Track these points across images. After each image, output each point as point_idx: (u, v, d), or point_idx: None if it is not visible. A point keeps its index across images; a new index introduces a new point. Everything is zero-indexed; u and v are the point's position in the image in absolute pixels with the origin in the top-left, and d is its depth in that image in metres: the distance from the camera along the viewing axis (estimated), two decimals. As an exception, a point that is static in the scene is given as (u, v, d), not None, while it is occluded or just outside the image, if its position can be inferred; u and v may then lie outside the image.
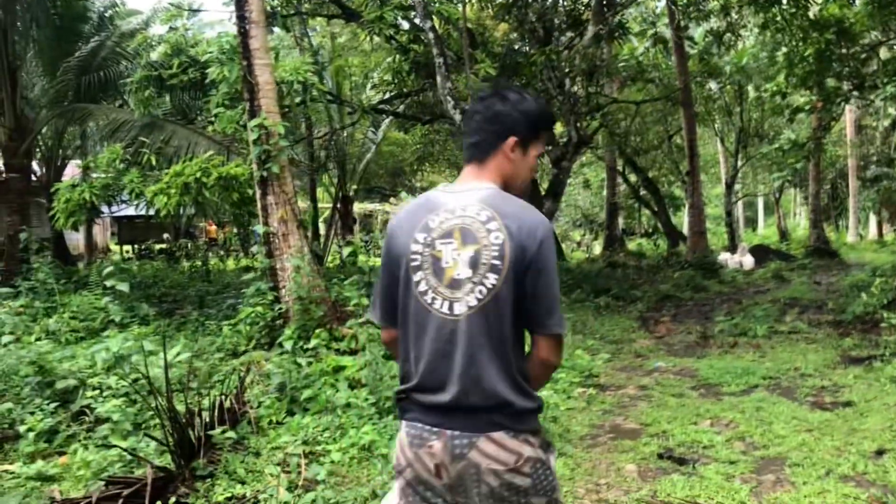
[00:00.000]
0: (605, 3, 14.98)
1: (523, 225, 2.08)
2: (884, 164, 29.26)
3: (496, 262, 2.05)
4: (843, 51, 16.87)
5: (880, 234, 32.08)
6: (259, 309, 8.16)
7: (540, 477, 2.13)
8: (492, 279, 2.06)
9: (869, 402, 6.36)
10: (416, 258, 2.13)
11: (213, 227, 29.15)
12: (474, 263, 2.07)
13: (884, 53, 19.20)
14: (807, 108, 18.49)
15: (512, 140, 2.22)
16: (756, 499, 4.43)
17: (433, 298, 2.11)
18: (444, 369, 2.10)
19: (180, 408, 5.27)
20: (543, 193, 17.02)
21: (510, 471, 2.08)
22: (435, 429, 2.12)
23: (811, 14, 16.30)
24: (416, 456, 2.14)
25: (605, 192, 27.75)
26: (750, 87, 24.63)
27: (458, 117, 11.34)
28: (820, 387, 7.07)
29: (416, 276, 2.13)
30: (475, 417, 2.09)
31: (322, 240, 23.10)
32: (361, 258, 19.38)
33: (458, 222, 2.11)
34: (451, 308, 2.09)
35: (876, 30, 17.47)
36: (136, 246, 28.69)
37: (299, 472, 4.57)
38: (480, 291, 2.06)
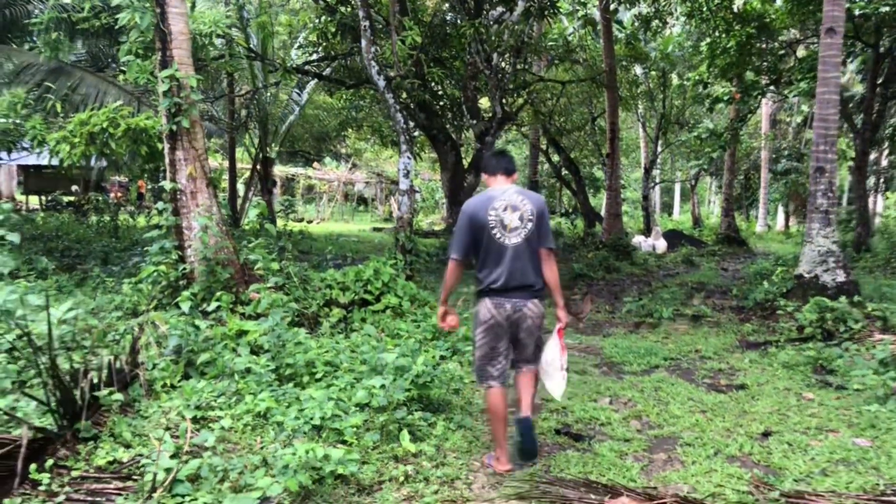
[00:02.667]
0: (536, -21, 14.92)
1: (537, 200, 4.48)
2: (794, 159, 30.39)
3: (531, 217, 4.40)
4: (763, 45, 17.35)
5: (787, 225, 33.37)
6: (162, 268, 7.86)
7: (543, 322, 4.56)
8: (529, 226, 4.40)
9: (761, 386, 6.59)
10: (492, 221, 4.39)
11: (115, 188, 28.35)
12: (521, 219, 4.39)
13: (800, 51, 19.79)
14: (726, 98, 18.96)
15: (516, 174, 4.74)
16: (646, 476, 4.51)
17: (502, 238, 4.38)
18: (505, 270, 4.38)
19: (66, 366, 5.02)
20: (466, 168, 16.99)
21: (538, 316, 4.49)
22: (505, 299, 4.41)
23: (735, 7, 16.66)
24: (498, 312, 4.41)
25: (527, 170, 27.95)
26: (674, 75, 25.11)
27: (381, 83, 11.11)
28: (717, 369, 7.29)
29: (494, 230, 4.39)
30: (524, 292, 4.42)
31: (240, 201, 22.55)
32: (280, 222, 19.02)
33: (509, 202, 4.41)
34: (511, 241, 4.38)
35: (794, 27, 17.99)
36: (43, 197, 27.42)
37: (188, 438, 4.41)
38: (524, 232, 4.39)
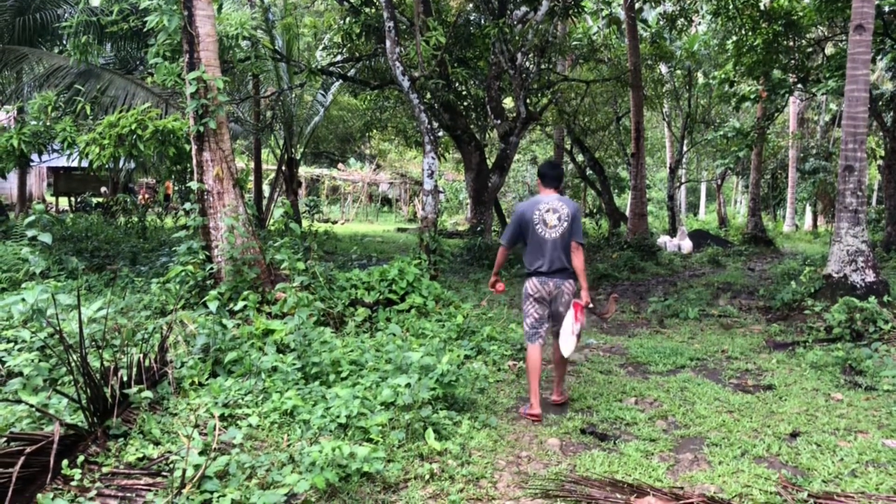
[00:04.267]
0: (561, -22, 14.89)
1: (572, 205, 5.75)
2: (822, 158, 30.02)
3: (567, 218, 5.66)
4: (790, 43, 17.16)
5: (815, 225, 32.96)
6: (190, 268, 7.94)
7: (574, 295, 5.77)
8: (565, 224, 5.65)
9: (789, 387, 6.52)
10: (536, 220, 5.66)
11: (143, 190, 28.75)
12: (559, 219, 5.65)
13: (828, 49, 19.56)
14: (752, 97, 18.79)
15: (562, 183, 6.31)
16: (672, 476, 4.49)
17: (543, 233, 5.65)
18: (547, 258, 5.64)
19: (96, 364, 5.11)
20: (490, 168, 16.99)
21: (572, 293, 5.73)
22: (548, 278, 5.67)
23: (762, 4, 16.50)
24: (543, 287, 5.68)
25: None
26: (699, 74, 24.90)
27: (406, 84, 11.15)
28: (744, 370, 7.23)
29: (538, 227, 5.66)
30: (562, 274, 5.67)
31: (265, 201, 22.73)
32: (305, 223, 19.16)
33: (551, 206, 5.68)
34: (550, 236, 5.64)
35: (822, 24, 17.79)
36: (72, 198, 27.83)
37: (216, 435, 4.46)
38: (560, 229, 5.64)
